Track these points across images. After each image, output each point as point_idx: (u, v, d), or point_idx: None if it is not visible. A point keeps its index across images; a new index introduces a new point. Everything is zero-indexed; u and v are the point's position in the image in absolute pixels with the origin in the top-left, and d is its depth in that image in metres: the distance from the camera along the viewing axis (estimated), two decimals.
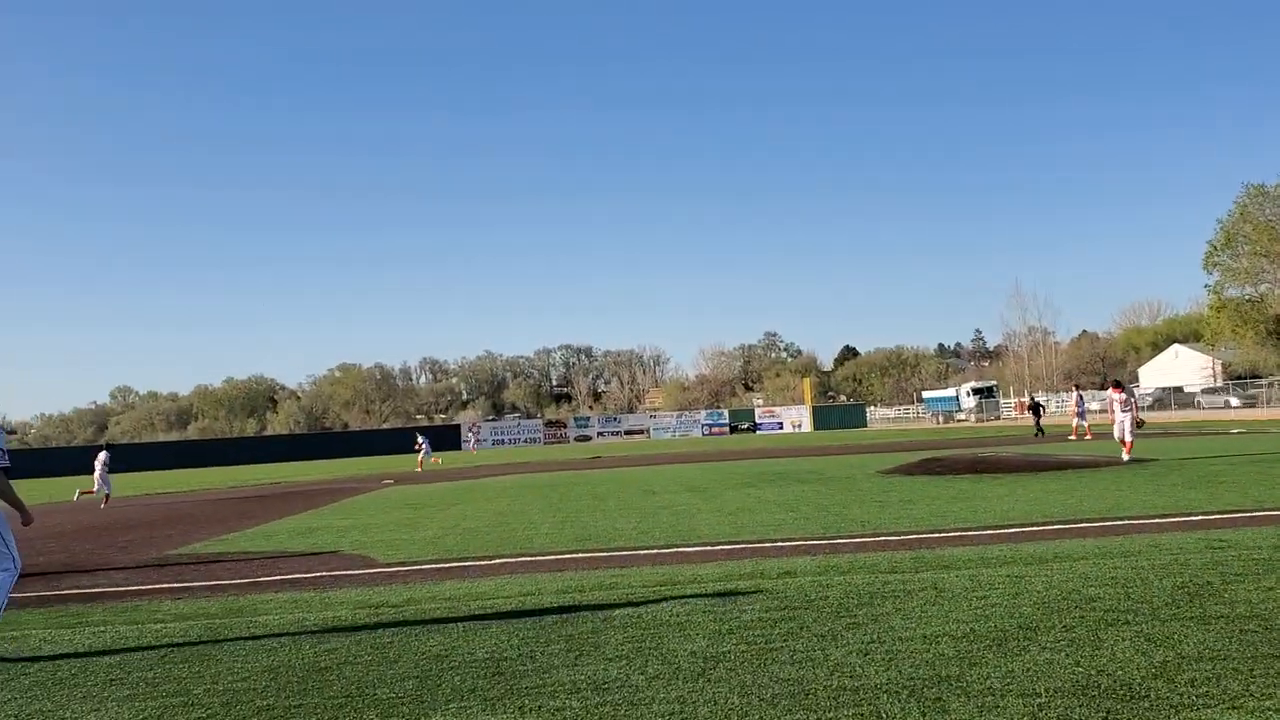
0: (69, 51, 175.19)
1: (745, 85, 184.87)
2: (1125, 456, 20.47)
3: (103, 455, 27.60)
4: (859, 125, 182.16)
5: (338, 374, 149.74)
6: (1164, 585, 7.14)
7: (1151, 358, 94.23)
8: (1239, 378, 67.06)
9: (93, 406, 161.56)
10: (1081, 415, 36.13)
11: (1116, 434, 21.33)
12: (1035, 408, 42.62)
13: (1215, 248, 60.70)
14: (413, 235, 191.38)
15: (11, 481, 7.56)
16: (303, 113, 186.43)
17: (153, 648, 7.00)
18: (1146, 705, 4.48)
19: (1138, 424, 21.34)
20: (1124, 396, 21.58)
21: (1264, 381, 59.91)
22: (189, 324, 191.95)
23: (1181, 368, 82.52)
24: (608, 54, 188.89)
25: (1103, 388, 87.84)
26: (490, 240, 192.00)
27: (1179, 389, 67.45)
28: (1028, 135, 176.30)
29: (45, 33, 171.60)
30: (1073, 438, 34.47)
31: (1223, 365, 75.56)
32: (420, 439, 44.85)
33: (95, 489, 26.88)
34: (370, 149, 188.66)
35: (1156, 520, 10.99)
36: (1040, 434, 38.67)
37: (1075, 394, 39.10)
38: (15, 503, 7.58)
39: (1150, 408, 65.77)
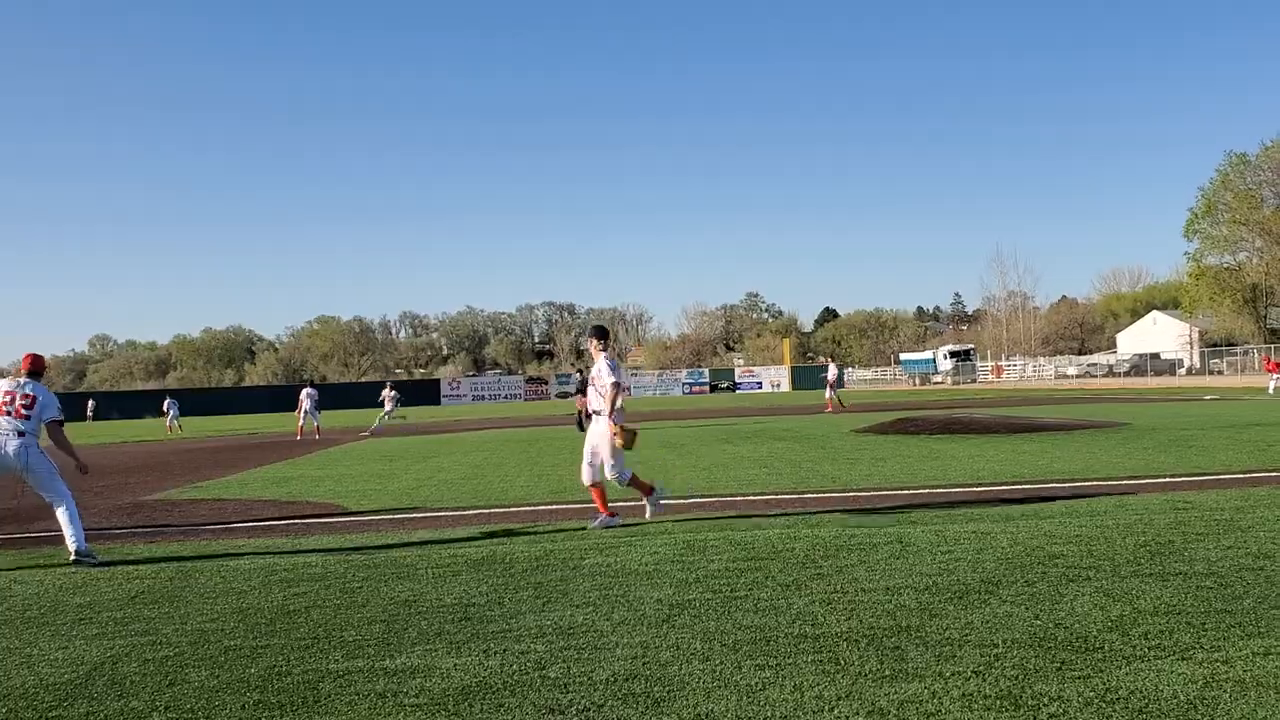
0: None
1: (727, 40, 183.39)
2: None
3: (309, 390, 30.28)
4: (841, 83, 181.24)
5: (316, 326, 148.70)
6: (1127, 543, 7.25)
7: (1130, 324, 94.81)
8: (1215, 345, 67.63)
9: (71, 354, 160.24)
10: (833, 387, 35.09)
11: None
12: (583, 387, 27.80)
13: (1196, 215, 61.02)
14: (393, 189, 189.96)
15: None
16: (289, 64, 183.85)
17: (123, 589, 7.02)
18: (1100, 656, 4.57)
19: None
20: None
21: (1238, 349, 60.48)
22: (168, 273, 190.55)
23: (1160, 334, 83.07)
24: (586, 10, 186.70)
25: (1081, 353, 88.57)
26: (471, 195, 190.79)
27: (1156, 355, 67.97)
28: (1011, 93, 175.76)
29: None
30: (829, 410, 32.94)
31: (1200, 333, 76.15)
32: (90, 404, 40.05)
33: (301, 422, 29.85)
34: (352, 105, 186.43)
35: (1125, 482, 11.14)
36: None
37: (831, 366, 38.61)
38: (71, 452, 8.43)
39: (1128, 374, 66.32)
